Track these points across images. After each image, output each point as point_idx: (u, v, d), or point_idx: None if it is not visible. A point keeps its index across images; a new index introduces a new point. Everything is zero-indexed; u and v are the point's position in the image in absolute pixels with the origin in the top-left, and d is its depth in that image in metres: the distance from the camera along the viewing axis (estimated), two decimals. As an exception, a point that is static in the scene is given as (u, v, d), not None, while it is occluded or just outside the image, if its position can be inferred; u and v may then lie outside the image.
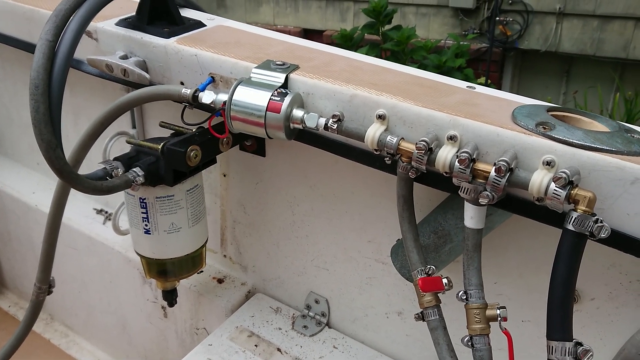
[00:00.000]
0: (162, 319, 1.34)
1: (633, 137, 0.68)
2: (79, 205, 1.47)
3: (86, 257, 1.42)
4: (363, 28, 3.86)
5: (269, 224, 1.16)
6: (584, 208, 0.62)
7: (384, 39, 3.82)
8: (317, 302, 1.16)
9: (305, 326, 1.15)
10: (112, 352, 1.54)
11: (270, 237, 1.17)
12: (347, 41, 3.86)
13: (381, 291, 1.06)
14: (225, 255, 1.28)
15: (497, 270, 0.91)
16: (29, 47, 1.20)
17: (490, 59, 4.54)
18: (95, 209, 1.47)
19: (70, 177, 0.79)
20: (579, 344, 0.61)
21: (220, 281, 1.26)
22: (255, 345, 1.10)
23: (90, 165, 1.03)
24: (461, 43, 4.03)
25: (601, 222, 0.61)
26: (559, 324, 0.62)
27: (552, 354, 0.61)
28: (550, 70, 4.84)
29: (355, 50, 3.83)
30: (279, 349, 1.09)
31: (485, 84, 4.02)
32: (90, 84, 1.26)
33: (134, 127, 1.27)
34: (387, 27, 3.85)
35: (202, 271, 1.28)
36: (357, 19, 4.91)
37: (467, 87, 0.84)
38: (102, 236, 1.38)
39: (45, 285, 1.11)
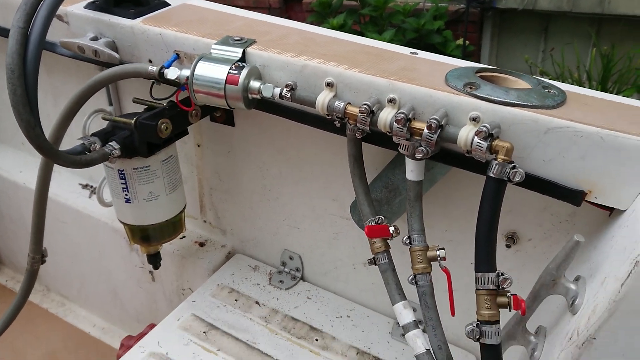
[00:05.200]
0: (150, 282, 1.44)
1: (549, 92, 0.77)
2: (65, 181, 1.54)
3: (75, 229, 1.50)
4: (341, -6, 3.88)
5: (243, 189, 1.25)
6: (502, 157, 0.70)
7: (362, 5, 3.85)
8: (291, 258, 1.26)
9: (281, 281, 1.25)
10: (106, 316, 1.65)
11: (245, 201, 1.26)
12: (325, 8, 3.88)
13: (347, 245, 1.16)
14: (205, 221, 1.37)
15: (446, 219, 1.00)
16: (5, 33, 1.26)
17: (467, 19, 4.56)
18: (80, 184, 1.55)
19: (50, 153, 0.87)
20: (501, 274, 0.70)
21: (201, 245, 1.36)
22: (235, 300, 1.19)
23: (72, 142, 1.10)
24: (439, 5, 4.06)
25: (516, 168, 0.69)
26: (484, 258, 0.71)
27: (479, 284, 0.71)
28: (529, 29, 4.88)
29: (334, 17, 3.86)
30: (257, 302, 1.19)
31: (464, 46, 4.07)
32: (67, 66, 1.32)
33: (110, 104, 1.33)
34: (364, -8, 3.87)
35: (184, 237, 1.37)
36: (335, -15, 4.89)
37: (410, 53, 0.92)
38: (88, 209, 1.46)
39: (38, 255, 1.19)
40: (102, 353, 1.58)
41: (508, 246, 0.94)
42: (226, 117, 1.16)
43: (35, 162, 1.64)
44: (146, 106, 1.09)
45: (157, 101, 1.06)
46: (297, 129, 1.08)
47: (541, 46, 4.97)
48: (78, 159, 0.93)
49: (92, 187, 1.54)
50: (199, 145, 1.26)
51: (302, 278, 1.27)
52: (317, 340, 1.11)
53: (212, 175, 1.28)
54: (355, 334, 1.13)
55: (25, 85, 0.82)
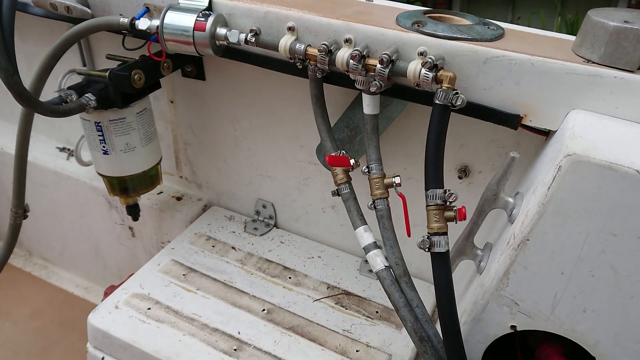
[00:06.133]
0: (130, 238, 1.50)
1: (489, 28, 0.84)
2: (43, 145, 1.59)
3: (55, 191, 1.55)
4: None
5: (216, 143, 1.31)
6: (447, 85, 0.78)
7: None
8: (264, 207, 1.33)
9: (255, 228, 1.33)
10: (89, 276, 1.70)
11: (219, 154, 1.32)
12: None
13: (316, 189, 1.23)
14: (181, 176, 1.43)
15: (405, 158, 1.08)
16: None
17: (437, -10, 4.63)
18: (58, 147, 1.59)
19: (30, 101, 0.92)
20: (447, 190, 0.78)
21: (178, 199, 1.42)
22: (212, 246, 1.26)
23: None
24: (408, -24, 4.11)
25: (458, 94, 0.77)
26: (432, 177, 0.79)
27: (428, 200, 0.79)
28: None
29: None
30: (233, 247, 1.26)
31: (432, 16, 4.13)
32: (39, 29, 1.36)
33: (84, 65, 1.37)
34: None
35: (161, 192, 1.43)
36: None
37: (366, 1, 0.98)
38: (67, 170, 1.51)
39: (21, 210, 1.25)
40: (87, 310, 1.63)
41: (460, 177, 1.03)
42: (197, 71, 1.21)
43: (10, 127, 1.68)
44: (120, 62, 1.14)
45: (129, 57, 1.11)
46: (264, 80, 1.15)
47: (509, 16, 5.08)
48: (57, 108, 0.98)
49: (69, 149, 1.58)
50: (172, 102, 1.31)
51: (276, 225, 1.34)
52: (290, 278, 1.19)
53: (186, 130, 1.34)
54: (326, 271, 1.21)
55: (2, 35, 0.87)
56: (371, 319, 1.10)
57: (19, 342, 1.54)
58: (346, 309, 1.12)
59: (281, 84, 1.13)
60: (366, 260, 1.23)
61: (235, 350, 1.01)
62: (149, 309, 1.08)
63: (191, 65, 1.20)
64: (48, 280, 1.74)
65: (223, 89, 1.22)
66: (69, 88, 1.07)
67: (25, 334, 1.56)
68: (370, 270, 1.21)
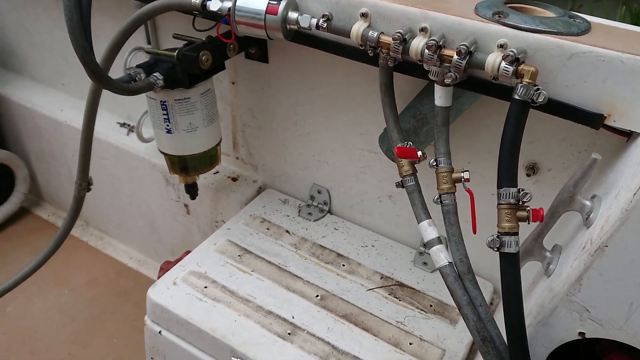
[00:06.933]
0: (185, 216, 1.53)
1: (574, 21, 0.80)
2: (104, 120, 1.62)
3: (115, 165, 1.59)
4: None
5: (275, 126, 1.31)
6: (527, 80, 0.75)
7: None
8: (319, 192, 1.33)
9: (309, 213, 1.33)
10: (143, 249, 1.75)
11: (277, 137, 1.33)
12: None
13: (374, 178, 1.22)
14: (237, 157, 1.45)
15: (470, 152, 1.05)
16: None
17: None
18: (118, 123, 1.63)
19: (102, 78, 0.94)
20: (521, 190, 0.75)
21: (234, 180, 1.43)
22: (267, 229, 1.27)
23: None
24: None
25: (540, 90, 0.74)
26: (506, 175, 0.76)
27: (501, 198, 0.76)
28: (558, -14, 4.77)
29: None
30: (287, 231, 1.27)
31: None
32: (105, 6, 1.38)
33: (149, 43, 1.39)
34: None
35: (217, 172, 1.45)
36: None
37: None
38: (128, 145, 1.54)
39: (85, 182, 1.28)
40: (140, 282, 1.69)
41: (528, 175, 1.00)
42: (261, 54, 1.21)
43: (74, 102, 1.73)
44: (185, 41, 1.15)
45: (196, 37, 1.11)
46: (330, 65, 1.14)
47: (569, 4, 4.86)
48: (127, 87, 1.00)
49: (129, 125, 1.61)
50: (233, 83, 1.32)
51: (330, 211, 1.34)
52: (343, 265, 1.19)
53: (245, 112, 1.34)
54: (380, 261, 1.20)
55: (80, 12, 0.88)
56: (425, 312, 1.08)
57: (76, 309, 1.60)
58: (400, 300, 1.11)
59: (346, 70, 1.11)
60: (420, 253, 1.22)
61: (289, 334, 1.02)
62: (206, 287, 1.10)
63: (255, 48, 1.20)
64: (103, 250, 1.80)
65: (286, 72, 1.21)
66: (138, 66, 1.08)
67: (82, 301, 1.63)
68: (425, 263, 1.20)
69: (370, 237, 1.27)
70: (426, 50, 0.82)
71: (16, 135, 1.86)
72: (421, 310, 1.09)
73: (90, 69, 0.91)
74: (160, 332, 1.10)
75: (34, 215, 1.95)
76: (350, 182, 1.26)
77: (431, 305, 1.10)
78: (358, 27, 0.88)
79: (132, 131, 1.59)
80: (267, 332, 1.02)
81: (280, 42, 1.16)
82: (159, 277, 1.32)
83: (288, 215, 1.32)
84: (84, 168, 1.26)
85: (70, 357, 1.47)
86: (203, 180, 1.41)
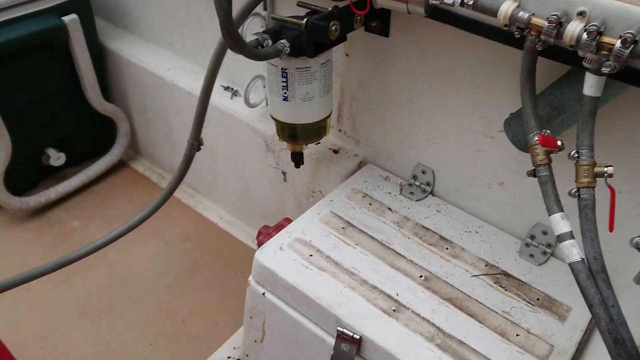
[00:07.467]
0: (281, 183, 1.55)
1: None
2: (209, 82, 1.66)
3: (216, 127, 1.63)
4: None
5: (386, 101, 1.29)
6: (701, 76, 0.70)
7: None
8: (423, 172, 1.31)
9: (412, 192, 1.31)
10: (234, 211, 1.80)
11: (386, 113, 1.31)
12: None
13: (487, 163, 1.19)
14: (340, 130, 1.44)
15: (604, 145, 1.00)
16: None
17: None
18: (222, 86, 1.65)
19: (238, 42, 0.94)
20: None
21: (335, 152, 1.44)
22: (369, 204, 1.27)
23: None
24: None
25: None
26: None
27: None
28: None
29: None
30: (389, 208, 1.27)
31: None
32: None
33: (265, 9, 1.40)
34: None
35: (319, 142, 1.46)
36: None
37: None
38: (231, 109, 1.57)
39: (197, 142, 1.32)
40: (229, 242, 1.74)
41: (668, 176, 0.94)
42: (382, 27, 1.19)
43: (180, 61, 1.77)
44: (309, 9, 1.15)
45: (319, 6, 1.11)
46: (453, 43, 1.10)
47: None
48: (257, 51, 1.01)
49: (233, 89, 1.64)
50: (347, 55, 1.31)
51: (432, 193, 1.32)
52: (447, 248, 1.17)
53: (355, 85, 1.33)
54: (484, 248, 1.18)
55: (225, -23, 0.89)
56: (532, 305, 1.06)
57: (171, 261, 1.68)
58: (505, 290, 1.09)
59: (473, 50, 1.08)
60: (527, 244, 1.19)
61: (394, 310, 1.02)
62: (311, 255, 1.12)
63: (377, 21, 1.18)
64: (194, 208, 1.86)
65: (406, 48, 1.19)
66: (265, 32, 1.09)
67: (176, 254, 1.70)
68: (532, 255, 1.17)
69: (473, 223, 1.25)
70: (584, 36, 0.78)
71: (121, 90, 1.93)
72: (528, 302, 1.06)
73: (229, 32, 0.92)
74: (264, 293, 1.13)
75: (130, 168, 2.03)
76: (460, 165, 1.24)
77: (538, 299, 1.07)
78: (507, 7, 0.84)
79: (236, 95, 1.61)
80: (372, 306, 1.03)
81: (405, 17, 1.13)
82: (258, 240, 1.36)
83: (390, 193, 1.32)
84: (198, 127, 1.29)
85: (165, 305, 1.55)
86: (305, 150, 1.42)
